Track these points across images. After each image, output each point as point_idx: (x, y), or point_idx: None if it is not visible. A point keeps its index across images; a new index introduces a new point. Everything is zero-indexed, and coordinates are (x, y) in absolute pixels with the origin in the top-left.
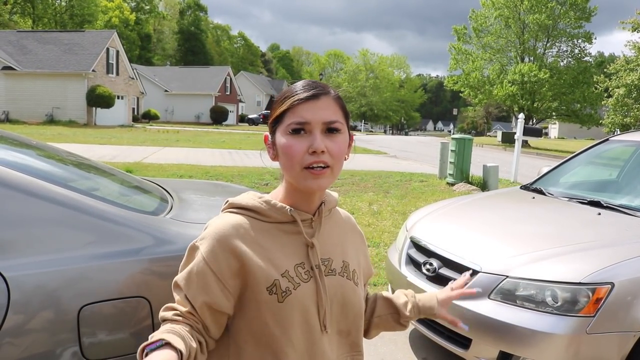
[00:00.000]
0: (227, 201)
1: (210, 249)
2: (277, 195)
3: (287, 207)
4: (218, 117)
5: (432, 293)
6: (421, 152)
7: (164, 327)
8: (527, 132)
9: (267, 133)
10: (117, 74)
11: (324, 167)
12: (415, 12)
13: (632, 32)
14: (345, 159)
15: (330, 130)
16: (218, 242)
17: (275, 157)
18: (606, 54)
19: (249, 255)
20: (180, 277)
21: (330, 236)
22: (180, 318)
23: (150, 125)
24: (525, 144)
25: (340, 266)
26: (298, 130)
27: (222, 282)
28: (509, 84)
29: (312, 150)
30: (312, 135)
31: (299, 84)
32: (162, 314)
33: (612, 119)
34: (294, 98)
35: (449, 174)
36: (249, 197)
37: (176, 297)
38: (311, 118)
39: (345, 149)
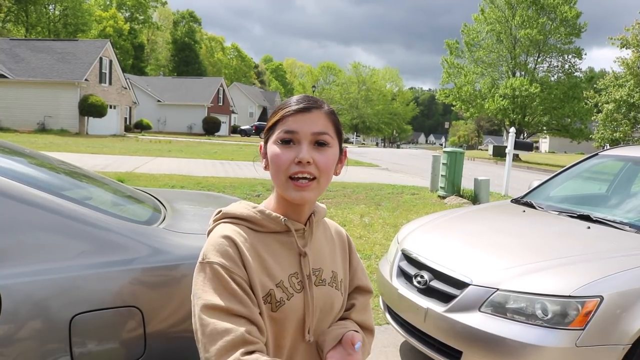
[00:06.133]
0: (220, 211)
1: (219, 253)
2: (269, 205)
3: (282, 217)
4: (210, 127)
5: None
6: (413, 164)
7: None
8: (518, 146)
9: (262, 143)
10: (110, 83)
11: (309, 180)
12: (401, 27)
13: (621, 48)
14: (336, 174)
15: (319, 143)
16: (225, 245)
17: (267, 167)
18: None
19: (248, 264)
20: (208, 299)
21: (321, 246)
22: (254, 348)
23: (143, 135)
24: (516, 157)
25: (330, 276)
26: (287, 140)
27: (244, 278)
28: (501, 98)
29: (298, 160)
30: (300, 145)
31: (294, 98)
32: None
33: (602, 133)
34: (287, 110)
35: (441, 187)
36: (243, 207)
37: (219, 326)
38: (299, 129)
39: (333, 163)
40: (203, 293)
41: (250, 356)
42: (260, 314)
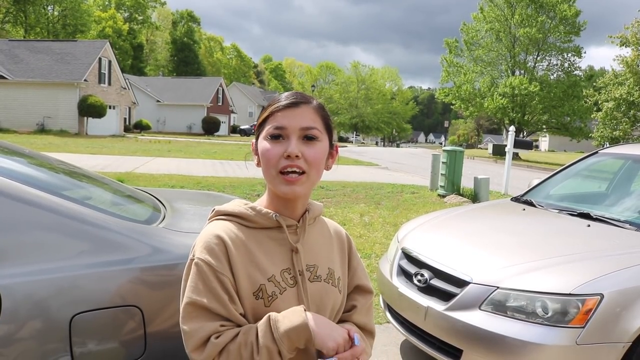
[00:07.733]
0: (214, 209)
1: (205, 250)
2: (262, 202)
3: (272, 212)
4: (210, 127)
5: None
6: (412, 163)
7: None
8: (517, 144)
9: (254, 140)
10: (109, 83)
11: (299, 174)
12: (399, 26)
13: (620, 46)
14: (327, 169)
15: (308, 137)
16: (211, 242)
17: (259, 163)
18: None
19: (236, 259)
20: (190, 296)
21: (316, 243)
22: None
23: (142, 136)
24: (516, 156)
25: (326, 273)
26: (276, 136)
27: (227, 275)
28: (500, 97)
29: (287, 154)
30: (289, 140)
31: (284, 94)
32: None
33: (602, 132)
34: (276, 105)
35: (440, 186)
36: (235, 204)
37: (197, 323)
38: (288, 124)
39: (323, 157)
40: (187, 290)
41: (220, 338)
42: (245, 313)
